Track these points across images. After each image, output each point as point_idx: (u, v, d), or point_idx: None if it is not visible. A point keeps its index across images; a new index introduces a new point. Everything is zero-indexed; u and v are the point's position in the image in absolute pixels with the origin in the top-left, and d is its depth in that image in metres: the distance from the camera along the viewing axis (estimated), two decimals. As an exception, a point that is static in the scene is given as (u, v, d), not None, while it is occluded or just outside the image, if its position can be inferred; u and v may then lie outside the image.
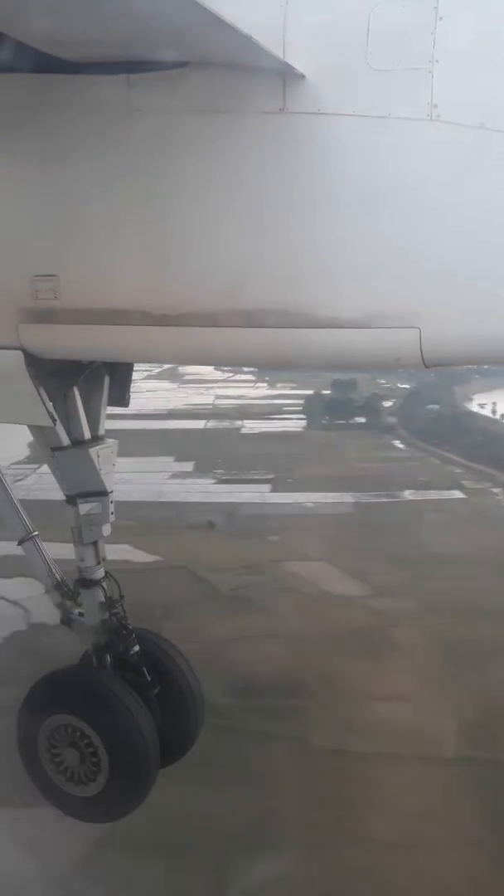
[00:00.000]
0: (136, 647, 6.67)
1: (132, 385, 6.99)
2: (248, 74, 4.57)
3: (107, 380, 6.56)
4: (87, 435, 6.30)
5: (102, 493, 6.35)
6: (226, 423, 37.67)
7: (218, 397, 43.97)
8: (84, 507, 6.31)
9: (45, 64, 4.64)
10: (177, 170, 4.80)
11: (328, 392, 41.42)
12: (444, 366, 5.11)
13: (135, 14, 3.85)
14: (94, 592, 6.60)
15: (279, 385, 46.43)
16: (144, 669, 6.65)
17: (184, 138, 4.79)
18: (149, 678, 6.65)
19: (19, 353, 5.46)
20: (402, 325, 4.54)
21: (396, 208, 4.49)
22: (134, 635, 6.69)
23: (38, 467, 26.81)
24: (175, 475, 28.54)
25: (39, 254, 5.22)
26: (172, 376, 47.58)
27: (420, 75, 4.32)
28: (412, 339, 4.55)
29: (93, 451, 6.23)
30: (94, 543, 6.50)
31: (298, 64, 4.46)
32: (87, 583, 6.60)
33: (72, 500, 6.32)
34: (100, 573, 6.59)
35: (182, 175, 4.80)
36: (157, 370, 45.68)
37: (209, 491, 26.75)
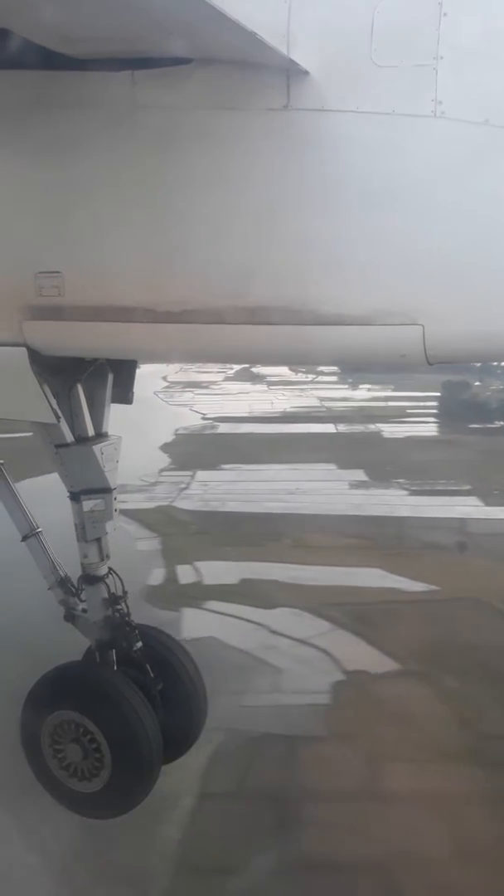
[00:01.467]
0: (140, 644, 6.69)
1: (135, 383, 7.00)
2: (252, 71, 4.56)
3: (110, 377, 6.58)
4: (91, 432, 6.32)
5: (106, 490, 6.37)
6: (358, 427, 34.38)
7: (323, 399, 40.56)
8: (87, 504, 6.33)
9: (49, 60, 4.64)
10: (181, 166, 4.80)
11: (438, 394, 37.72)
12: (447, 363, 5.13)
13: (141, 10, 3.86)
14: (97, 589, 6.60)
15: (361, 386, 42.97)
16: (148, 666, 6.67)
17: (188, 135, 4.78)
18: (152, 674, 6.66)
19: (23, 349, 5.46)
20: (405, 322, 4.54)
21: (400, 205, 4.48)
22: (137, 631, 6.71)
23: (194, 473, 25.50)
24: (354, 485, 25.44)
25: (43, 250, 5.21)
26: (253, 377, 44.42)
27: (424, 72, 4.31)
28: (415, 335, 4.54)
29: (96, 448, 6.25)
30: (98, 540, 6.51)
31: (302, 60, 4.44)
32: (90, 579, 6.61)
33: (75, 496, 6.35)
34: (103, 569, 6.61)
35: (186, 172, 4.80)
36: (232, 371, 43.25)
37: (410, 504, 23.66)
